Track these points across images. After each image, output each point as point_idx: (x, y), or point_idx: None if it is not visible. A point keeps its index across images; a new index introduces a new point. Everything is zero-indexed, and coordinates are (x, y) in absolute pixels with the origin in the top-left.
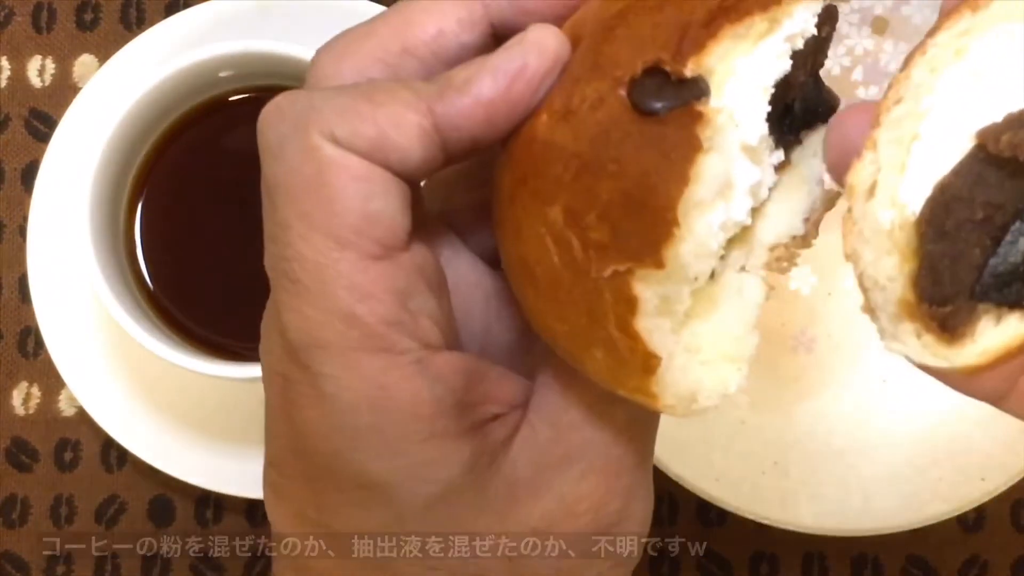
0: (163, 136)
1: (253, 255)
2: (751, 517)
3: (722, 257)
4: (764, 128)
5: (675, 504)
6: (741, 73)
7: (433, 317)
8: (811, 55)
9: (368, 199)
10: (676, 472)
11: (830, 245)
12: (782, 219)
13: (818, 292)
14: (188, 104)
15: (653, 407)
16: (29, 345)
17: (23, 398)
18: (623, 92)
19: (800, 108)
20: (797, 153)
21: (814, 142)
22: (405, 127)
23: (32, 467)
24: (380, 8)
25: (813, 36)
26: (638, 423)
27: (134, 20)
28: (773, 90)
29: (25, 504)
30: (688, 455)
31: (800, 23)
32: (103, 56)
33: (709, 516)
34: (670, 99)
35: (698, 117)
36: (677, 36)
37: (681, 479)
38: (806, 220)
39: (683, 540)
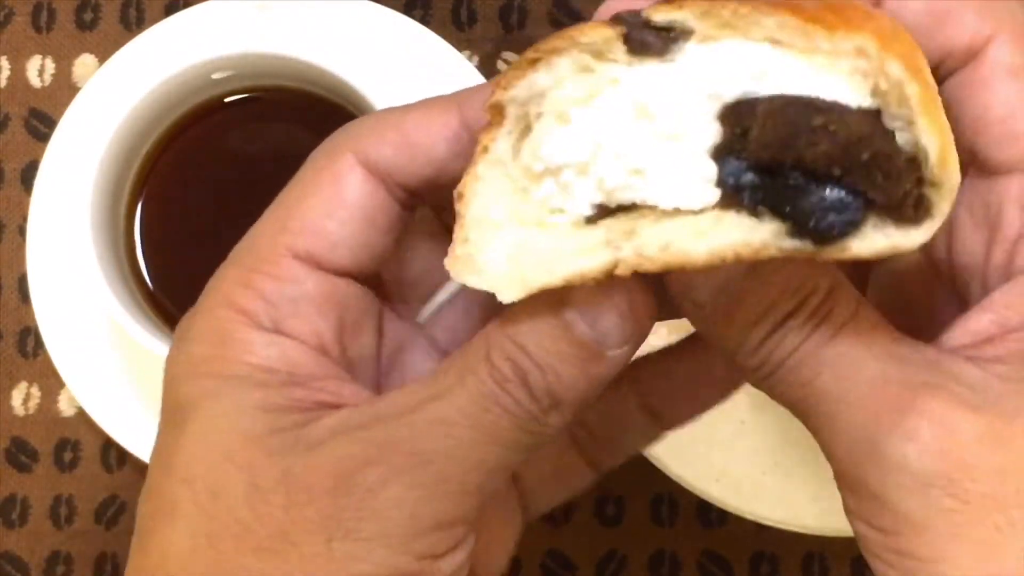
0: (163, 136)
1: None
2: (751, 517)
3: (592, 220)
4: (681, 122)
5: (675, 504)
6: (716, 53)
7: (317, 332)
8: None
9: (327, 215)
10: (676, 472)
11: None
12: (662, 240)
13: None
14: (188, 104)
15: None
16: (29, 345)
17: (23, 398)
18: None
19: (781, 185)
20: (739, 218)
21: (766, 228)
22: (432, 130)
23: (32, 467)
24: (379, 8)
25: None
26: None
27: (134, 20)
28: (731, 104)
29: (25, 504)
30: (688, 455)
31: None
32: (103, 56)
33: (709, 516)
34: (649, 38)
35: (611, 26)
36: None
37: (681, 479)
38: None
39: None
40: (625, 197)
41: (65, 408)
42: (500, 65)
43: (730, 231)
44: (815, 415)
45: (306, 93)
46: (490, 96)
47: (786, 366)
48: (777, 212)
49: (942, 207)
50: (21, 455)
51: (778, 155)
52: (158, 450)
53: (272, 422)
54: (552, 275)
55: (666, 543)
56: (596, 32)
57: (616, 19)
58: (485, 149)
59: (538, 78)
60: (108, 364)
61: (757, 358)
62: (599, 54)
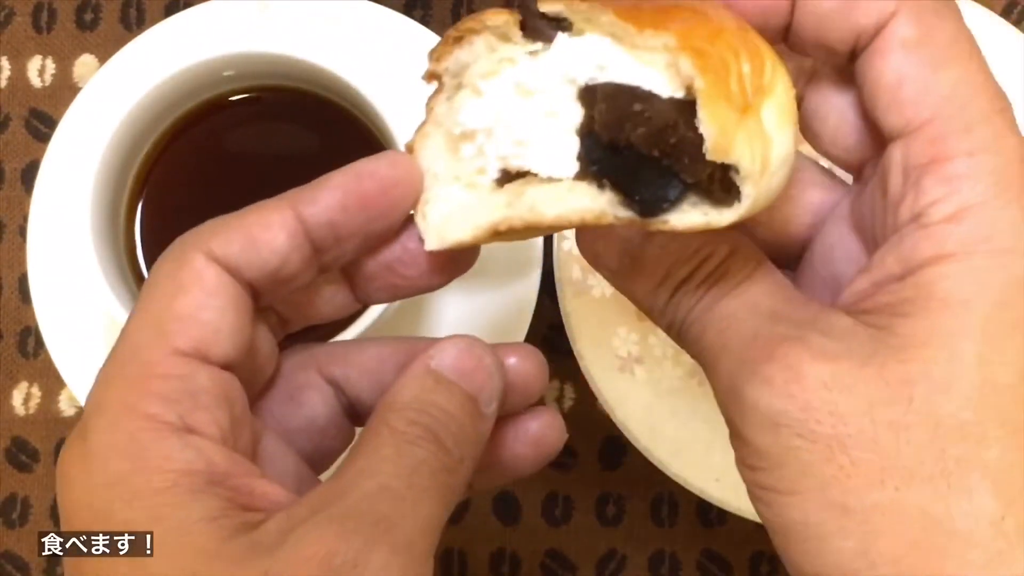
0: (163, 136)
1: None
2: (751, 518)
3: (500, 183)
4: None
5: (675, 504)
6: (587, 44)
7: (219, 425)
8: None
9: (201, 307)
10: (676, 472)
11: None
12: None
13: None
14: (188, 104)
15: None
16: (29, 345)
17: (23, 398)
18: None
19: (619, 161)
20: (589, 188)
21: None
22: (273, 227)
23: (32, 467)
24: (379, 8)
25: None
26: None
27: (134, 20)
28: (583, 86)
29: (25, 504)
30: (688, 455)
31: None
32: (103, 56)
33: (709, 516)
34: (540, 25)
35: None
36: None
37: (681, 479)
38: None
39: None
40: (515, 164)
41: (66, 408)
42: None
43: (580, 198)
44: (705, 370)
45: (306, 93)
46: (430, 63)
47: (683, 325)
48: (616, 185)
49: (747, 191)
50: (21, 455)
51: (615, 135)
52: None
53: (220, 531)
54: (463, 232)
55: (666, 543)
56: (499, 17)
57: (517, 5)
58: (431, 110)
59: (461, 54)
60: None
61: (665, 320)
62: (504, 36)
